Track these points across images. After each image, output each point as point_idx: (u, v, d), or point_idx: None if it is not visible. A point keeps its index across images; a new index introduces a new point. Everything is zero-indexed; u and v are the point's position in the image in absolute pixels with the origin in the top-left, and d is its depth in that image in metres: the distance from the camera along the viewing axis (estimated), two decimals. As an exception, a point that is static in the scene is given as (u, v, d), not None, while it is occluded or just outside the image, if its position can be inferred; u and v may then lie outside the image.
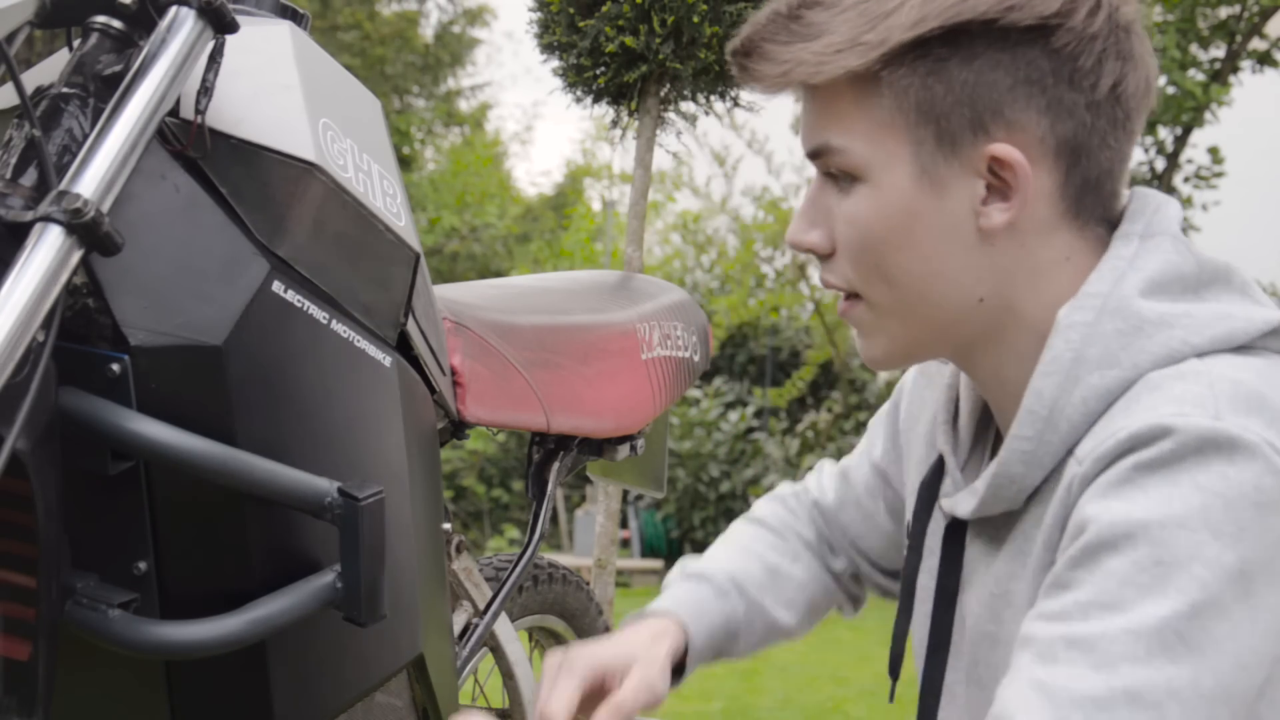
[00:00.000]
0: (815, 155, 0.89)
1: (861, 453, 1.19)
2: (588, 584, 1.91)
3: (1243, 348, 0.83)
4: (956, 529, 0.96)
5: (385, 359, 1.11)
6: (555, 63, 2.77)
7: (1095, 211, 0.88)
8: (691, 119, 2.92)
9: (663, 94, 2.81)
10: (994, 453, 0.99)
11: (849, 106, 0.86)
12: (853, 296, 0.92)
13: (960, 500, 0.93)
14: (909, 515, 1.06)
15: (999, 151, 0.84)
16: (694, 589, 1.11)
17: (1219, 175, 8.91)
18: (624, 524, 9.04)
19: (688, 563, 1.16)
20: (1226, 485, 0.74)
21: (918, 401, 1.09)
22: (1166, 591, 0.73)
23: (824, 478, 1.22)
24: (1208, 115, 8.25)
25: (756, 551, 1.17)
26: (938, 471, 1.00)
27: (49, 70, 0.98)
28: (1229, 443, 0.75)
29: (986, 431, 0.99)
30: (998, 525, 0.91)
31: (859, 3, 0.84)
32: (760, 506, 1.23)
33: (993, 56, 0.83)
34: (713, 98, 2.84)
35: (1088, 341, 0.83)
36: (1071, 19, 0.83)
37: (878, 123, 0.85)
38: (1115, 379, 0.82)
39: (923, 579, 1.01)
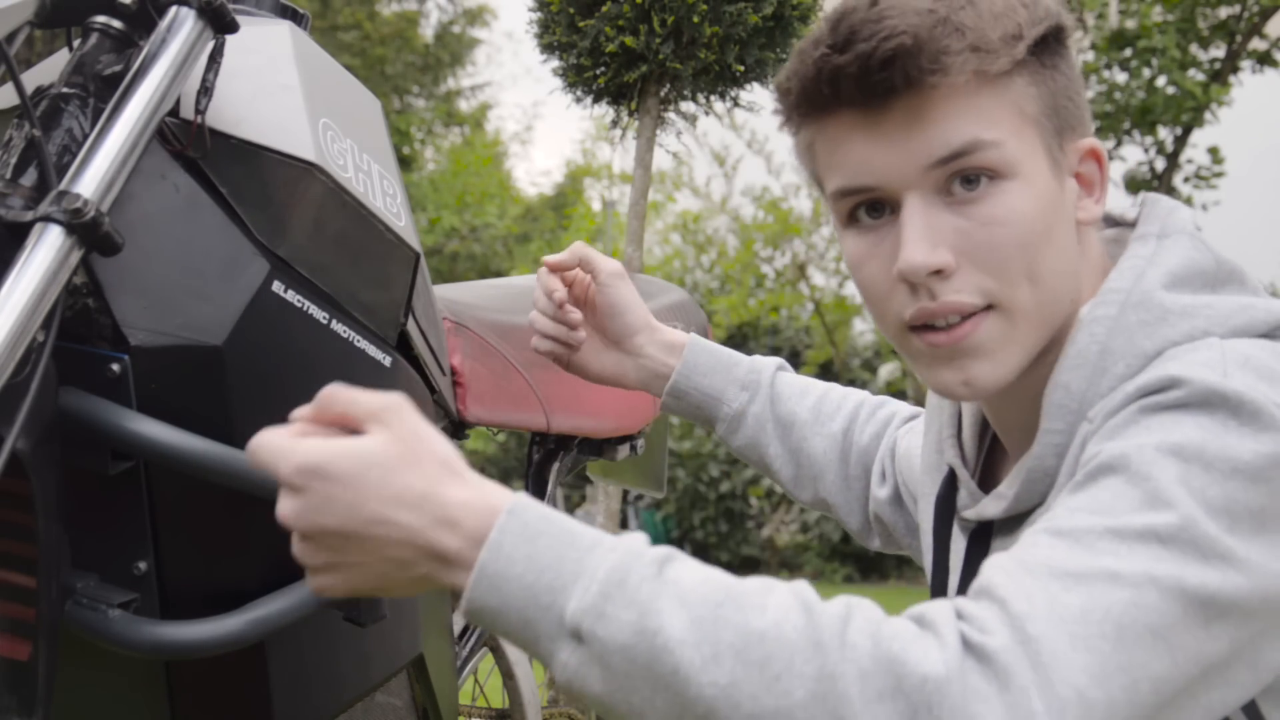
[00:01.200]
0: (953, 158, 0.84)
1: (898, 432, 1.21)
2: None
3: (1263, 335, 0.84)
4: (980, 535, 0.96)
5: (385, 359, 1.11)
6: (555, 63, 2.77)
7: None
8: (691, 119, 2.92)
9: (663, 94, 2.81)
10: (987, 464, 1.00)
11: (988, 103, 0.85)
12: (979, 312, 0.86)
13: (986, 505, 0.93)
14: (921, 519, 1.07)
15: (1093, 145, 0.88)
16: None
17: (1219, 175, 8.91)
18: (624, 524, 9.04)
19: None
20: (1226, 432, 0.74)
21: (932, 410, 1.09)
22: (1155, 505, 0.73)
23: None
24: (1208, 115, 8.26)
25: (806, 402, 1.23)
26: (951, 486, 1.00)
27: (49, 70, 0.98)
28: (1236, 398, 0.75)
29: (983, 445, 1.01)
30: (1025, 520, 0.91)
31: (975, 2, 0.85)
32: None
33: (1066, 56, 0.88)
34: (713, 98, 2.84)
35: (1112, 334, 0.84)
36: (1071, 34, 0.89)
37: (1019, 115, 0.86)
38: (1140, 367, 0.83)
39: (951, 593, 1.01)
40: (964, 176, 0.84)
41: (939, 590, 1.01)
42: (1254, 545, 0.73)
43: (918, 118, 0.84)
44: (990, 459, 1.01)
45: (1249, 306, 0.85)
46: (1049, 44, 0.86)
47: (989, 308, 0.86)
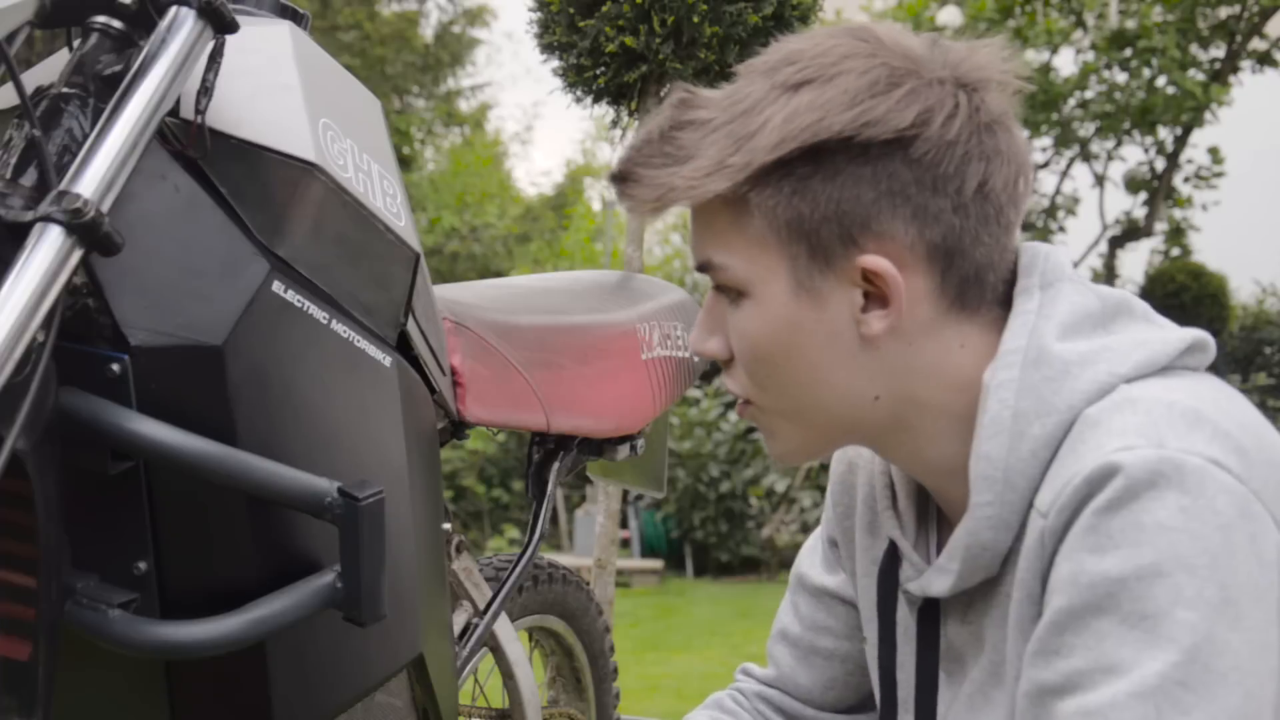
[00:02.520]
0: (702, 269, 0.92)
1: (789, 603, 1.17)
2: (588, 584, 1.91)
3: (1164, 369, 0.85)
4: (929, 609, 0.96)
5: (385, 359, 1.11)
6: (555, 63, 2.77)
7: (983, 298, 0.89)
8: (691, 119, 2.92)
9: (663, 94, 2.81)
10: (940, 527, 0.99)
11: (725, 225, 0.89)
12: (744, 401, 0.94)
13: (931, 580, 0.93)
14: (860, 606, 1.05)
15: (869, 263, 0.85)
16: None
17: (1219, 175, 8.92)
18: (624, 524, 9.04)
19: None
20: (1187, 519, 0.75)
21: (842, 489, 1.09)
22: (1158, 643, 0.74)
23: (771, 655, 1.19)
24: (1208, 115, 8.25)
25: None
26: (892, 559, 0.99)
27: (49, 70, 0.98)
28: (1176, 471, 0.76)
29: (927, 507, 0.99)
30: (979, 594, 0.91)
31: (727, 122, 0.86)
32: (694, 716, 1.19)
33: (854, 171, 0.84)
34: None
35: (1020, 395, 0.85)
36: (928, 129, 0.84)
37: (752, 240, 0.87)
38: (1055, 424, 0.84)
39: (900, 674, 1.00)
40: (718, 285, 0.91)
41: (887, 663, 1.00)
42: (1259, 607, 0.75)
43: (693, 224, 0.92)
44: (941, 529, 0.99)
45: (1144, 342, 0.86)
46: (797, 166, 0.84)
47: (748, 400, 0.94)
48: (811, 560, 1.15)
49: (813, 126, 0.83)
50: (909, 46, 0.88)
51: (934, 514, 0.99)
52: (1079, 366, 0.85)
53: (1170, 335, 0.87)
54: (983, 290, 0.89)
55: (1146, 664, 0.74)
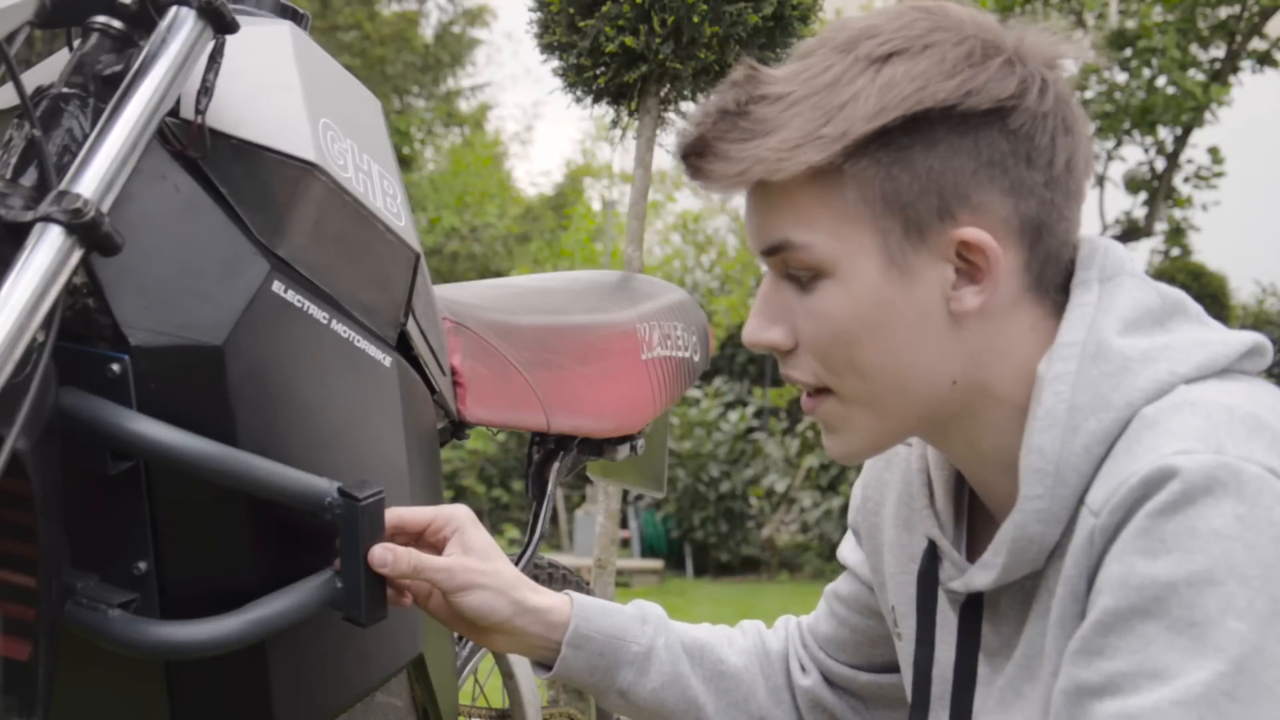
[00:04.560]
0: (772, 252, 0.88)
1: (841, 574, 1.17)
2: (588, 584, 1.91)
3: (1223, 372, 0.84)
4: (971, 605, 0.94)
5: (385, 359, 1.11)
6: (555, 63, 2.77)
7: (1055, 281, 0.89)
8: (692, 119, 2.91)
9: (663, 94, 2.81)
10: (972, 523, 0.98)
11: (809, 201, 0.85)
12: (820, 392, 0.90)
13: (974, 576, 0.91)
14: (891, 603, 1.05)
15: (968, 236, 0.84)
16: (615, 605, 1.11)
17: (1219, 175, 8.92)
18: (624, 524, 9.04)
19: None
20: (1242, 528, 0.74)
21: (875, 485, 1.08)
22: (1206, 652, 0.72)
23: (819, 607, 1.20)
24: (1208, 115, 8.26)
25: (705, 628, 1.15)
26: (932, 558, 0.98)
27: (49, 70, 0.98)
28: (1234, 479, 0.75)
29: (962, 504, 0.99)
30: (1017, 588, 0.90)
31: (810, 94, 0.84)
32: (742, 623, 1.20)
33: (954, 142, 0.83)
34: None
35: (1077, 389, 0.83)
36: (1025, 99, 0.84)
37: (841, 216, 0.85)
38: (1112, 420, 0.83)
39: (935, 670, 0.99)
40: (789, 268, 0.88)
41: (924, 662, 0.99)
42: None
43: (754, 208, 0.89)
44: (973, 525, 0.99)
45: (1205, 343, 0.85)
46: (896, 136, 0.83)
47: (824, 390, 0.89)
48: (846, 539, 1.16)
49: (915, 95, 0.82)
50: (986, 23, 0.87)
51: (966, 512, 0.98)
52: (1139, 364, 0.83)
53: (1230, 337, 0.86)
54: (1059, 271, 0.88)
55: (1192, 672, 0.72)
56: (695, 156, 0.87)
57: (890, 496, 1.05)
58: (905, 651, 1.03)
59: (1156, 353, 0.84)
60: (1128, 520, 0.78)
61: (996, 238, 0.84)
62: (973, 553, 0.96)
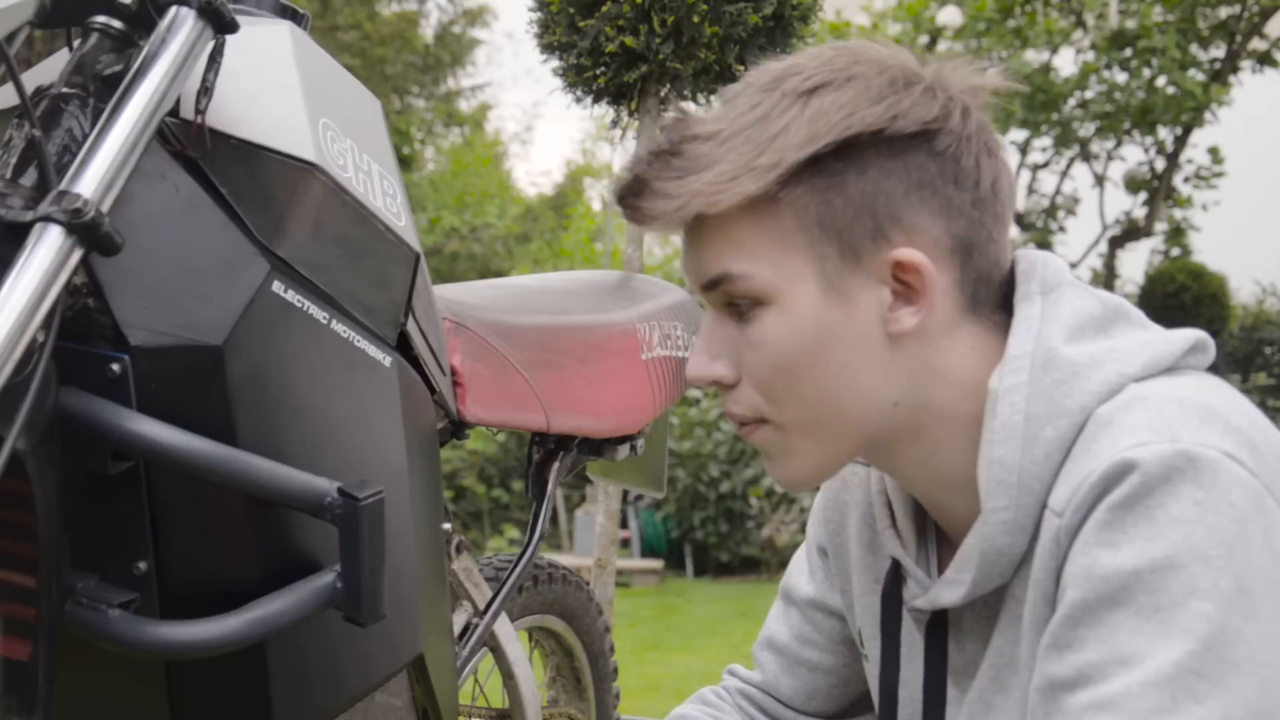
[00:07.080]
0: (712, 286, 0.89)
1: (779, 612, 1.16)
2: (588, 584, 1.91)
3: (1169, 369, 0.86)
4: (937, 624, 0.95)
5: (385, 359, 1.11)
6: (555, 63, 2.77)
7: (989, 302, 0.90)
8: (691, 119, 2.91)
9: (663, 94, 2.81)
10: (939, 543, 0.98)
11: (746, 231, 0.87)
12: (756, 422, 0.91)
13: (939, 593, 0.92)
14: (859, 625, 1.05)
15: (903, 256, 0.85)
16: None
17: (1219, 175, 8.92)
18: (624, 524, 9.04)
19: None
20: (1201, 511, 0.75)
21: (834, 506, 1.08)
22: (1173, 634, 0.73)
23: (757, 659, 1.19)
24: (1208, 115, 8.26)
25: None
26: (895, 578, 0.99)
27: (49, 70, 0.98)
28: (1191, 464, 0.76)
29: (924, 524, 0.99)
30: (981, 603, 0.91)
31: (742, 130, 0.85)
32: (681, 709, 1.18)
33: (884, 165, 0.85)
34: (713, 98, 2.84)
35: (1031, 400, 0.85)
36: (949, 122, 0.86)
37: (779, 243, 0.86)
38: (1068, 425, 0.84)
39: (903, 691, 1.00)
40: (729, 300, 0.89)
41: (889, 682, 1.00)
42: (1274, 599, 0.75)
43: (692, 245, 0.90)
44: (938, 544, 0.99)
45: (1149, 343, 0.87)
46: (828, 162, 0.84)
47: (762, 420, 0.90)
48: (799, 572, 1.15)
49: (844, 121, 0.84)
50: (904, 57, 0.90)
51: (931, 531, 0.99)
52: (1088, 368, 0.85)
53: (1173, 336, 0.88)
54: (990, 291, 0.90)
55: (1160, 654, 0.73)
56: (633, 197, 0.88)
57: (852, 517, 1.06)
58: (872, 673, 1.04)
59: (1104, 356, 0.85)
60: (1090, 515, 0.79)
61: (930, 257, 0.86)
62: (940, 571, 0.97)
